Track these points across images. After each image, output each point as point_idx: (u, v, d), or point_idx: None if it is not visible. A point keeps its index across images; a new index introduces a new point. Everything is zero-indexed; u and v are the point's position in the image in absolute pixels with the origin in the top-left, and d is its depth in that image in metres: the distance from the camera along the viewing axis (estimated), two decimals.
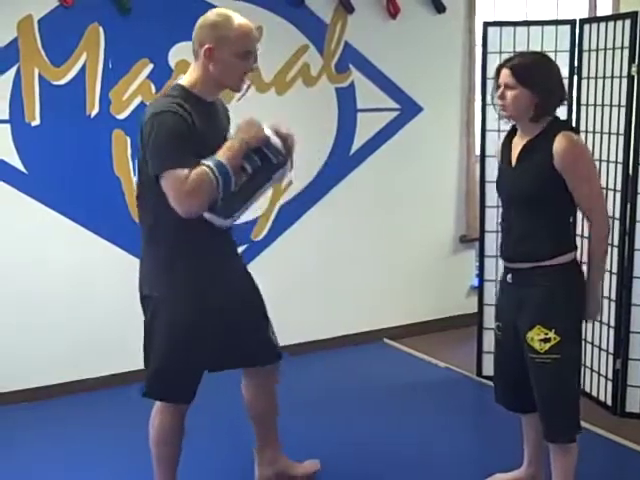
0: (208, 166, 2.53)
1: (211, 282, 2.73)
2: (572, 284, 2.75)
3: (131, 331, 4.24)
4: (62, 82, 3.95)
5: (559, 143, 2.65)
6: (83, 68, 3.97)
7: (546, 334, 2.67)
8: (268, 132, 2.67)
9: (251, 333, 2.91)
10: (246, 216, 4.33)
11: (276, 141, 2.67)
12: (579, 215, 3.06)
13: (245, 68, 2.66)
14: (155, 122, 2.55)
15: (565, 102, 2.84)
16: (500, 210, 4.12)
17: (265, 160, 2.66)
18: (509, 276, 2.82)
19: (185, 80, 2.70)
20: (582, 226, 3.43)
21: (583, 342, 3.60)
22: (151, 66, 4.12)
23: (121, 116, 4.10)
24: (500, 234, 2.96)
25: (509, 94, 2.69)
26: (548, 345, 2.67)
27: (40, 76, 3.89)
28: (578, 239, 2.98)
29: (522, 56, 2.79)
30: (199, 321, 2.73)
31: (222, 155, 2.57)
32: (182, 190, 2.51)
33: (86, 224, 4.10)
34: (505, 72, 2.71)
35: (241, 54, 2.62)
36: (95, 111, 4.03)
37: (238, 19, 2.64)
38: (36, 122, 3.92)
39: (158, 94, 4.13)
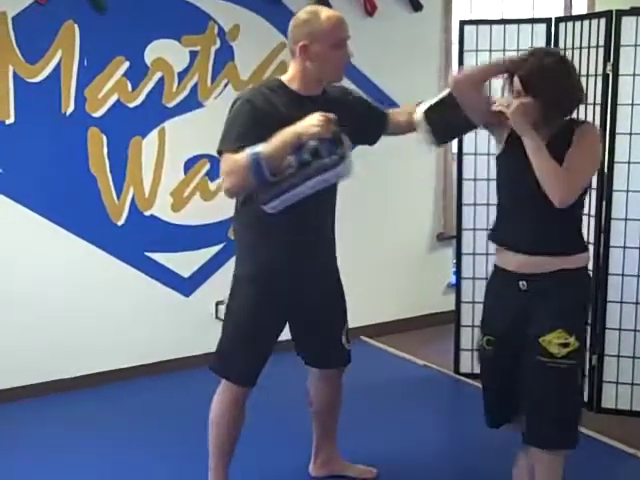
0: (246, 152, 2.55)
1: (288, 272, 2.80)
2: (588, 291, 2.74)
3: (106, 329, 4.23)
4: (37, 80, 3.91)
5: (582, 129, 2.61)
6: (58, 66, 3.94)
7: (566, 339, 2.59)
8: (325, 130, 2.55)
9: (325, 334, 2.98)
10: (222, 215, 4.39)
11: (334, 140, 2.57)
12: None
13: (342, 57, 2.71)
14: (231, 108, 2.71)
15: (578, 105, 2.69)
16: (479, 208, 4.17)
17: (316, 157, 2.57)
18: (522, 283, 2.67)
19: (285, 76, 2.77)
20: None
21: None
22: (127, 64, 4.09)
23: (97, 114, 4.06)
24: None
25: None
26: (566, 350, 2.58)
27: (14, 74, 3.85)
28: None
29: (532, 60, 2.60)
30: (268, 306, 2.80)
31: (266, 144, 2.55)
32: (223, 170, 2.64)
33: (62, 222, 4.06)
34: (516, 79, 2.60)
35: (334, 44, 2.67)
36: (70, 109, 4.00)
37: (326, 12, 2.70)
38: (10, 120, 3.88)
39: (134, 92, 4.13)
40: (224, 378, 2.89)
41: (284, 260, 2.79)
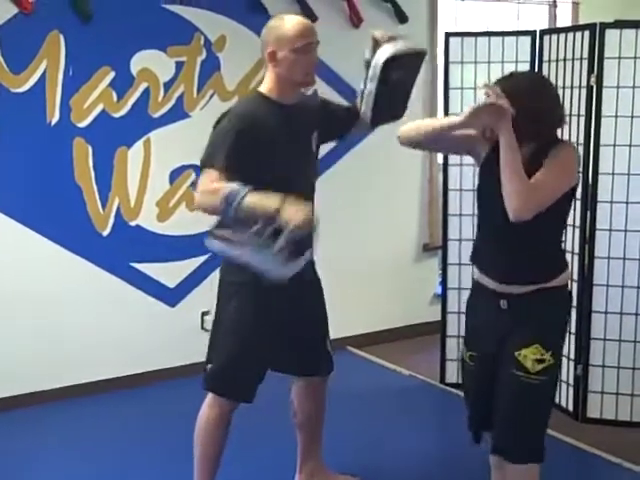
0: (229, 187, 2.53)
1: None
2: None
3: (91, 340, 4.21)
4: (22, 90, 3.89)
5: (557, 148, 2.54)
6: (43, 76, 3.92)
7: (542, 355, 2.56)
8: (304, 228, 2.52)
9: (313, 344, 2.97)
10: (208, 225, 4.36)
11: (292, 237, 2.52)
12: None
13: (309, 61, 2.74)
14: (217, 125, 2.71)
15: (550, 131, 2.60)
16: (465, 219, 4.18)
17: (272, 237, 2.52)
18: (502, 302, 2.63)
19: (262, 87, 2.79)
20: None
21: None
22: (112, 74, 4.09)
23: (82, 124, 4.05)
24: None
25: None
26: (541, 366, 2.56)
27: None
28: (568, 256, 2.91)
29: (507, 79, 2.59)
30: (265, 316, 2.75)
31: (254, 196, 2.51)
32: (201, 187, 2.63)
33: (46, 233, 4.03)
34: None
35: (300, 49, 2.69)
36: (55, 119, 3.99)
37: (291, 18, 2.74)
38: None
39: (120, 102, 4.12)
40: (223, 397, 2.83)
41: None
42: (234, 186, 2.54)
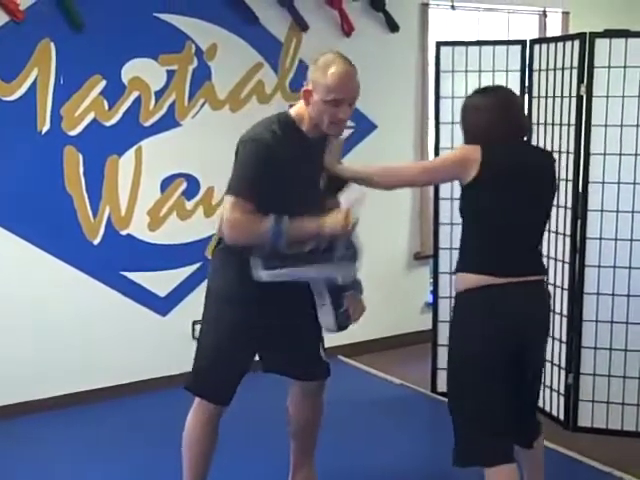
0: (271, 219, 2.59)
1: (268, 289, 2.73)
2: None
3: (82, 349, 4.19)
4: (12, 98, 3.89)
5: None
6: (34, 84, 3.92)
7: None
8: (347, 232, 2.68)
9: (308, 349, 2.99)
10: (199, 234, 4.37)
11: (351, 243, 2.71)
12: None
13: (333, 114, 2.67)
14: (242, 148, 2.68)
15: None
16: (456, 228, 4.18)
17: (328, 251, 2.65)
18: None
19: (294, 110, 2.77)
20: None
21: None
22: (104, 83, 4.08)
23: (73, 133, 4.04)
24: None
25: None
26: None
27: None
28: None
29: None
30: (248, 321, 2.76)
31: (295, 222, 2.62)
32: (231, 218, 2.63)
33: (37, 241, 4.02)
34: None
35: (328, 101, 2.65)
36: (46, 127, 3.98)
37: (337, 66, 2.64)
38: None
39: (111, 111, 4.11)
40: (199, 397, 2.86)
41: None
42: (272, 221, 2.60)
